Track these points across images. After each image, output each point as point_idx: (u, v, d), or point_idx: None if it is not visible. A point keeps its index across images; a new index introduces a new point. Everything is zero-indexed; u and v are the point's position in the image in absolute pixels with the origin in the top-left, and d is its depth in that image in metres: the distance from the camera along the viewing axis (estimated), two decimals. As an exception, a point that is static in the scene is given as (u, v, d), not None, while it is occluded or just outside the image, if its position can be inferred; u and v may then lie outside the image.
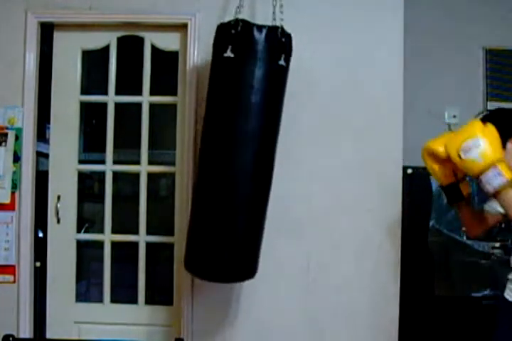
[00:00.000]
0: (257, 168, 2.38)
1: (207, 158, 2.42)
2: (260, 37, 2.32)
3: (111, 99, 2.94)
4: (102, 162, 2.96)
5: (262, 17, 2.58)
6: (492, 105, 3.32)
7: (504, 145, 1.98)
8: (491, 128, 1.90)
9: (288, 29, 2.40)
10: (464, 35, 3.29)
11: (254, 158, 2.37)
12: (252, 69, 2.32)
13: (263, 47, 2.33)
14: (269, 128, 2.41)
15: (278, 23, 2.42)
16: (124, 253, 3.11)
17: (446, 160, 2.04)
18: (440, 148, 2.04)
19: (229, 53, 2.31)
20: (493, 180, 1.83)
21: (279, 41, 2.37)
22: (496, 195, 1.86)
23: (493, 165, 1.84)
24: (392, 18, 2.80)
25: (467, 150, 1.86)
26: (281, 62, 2.38)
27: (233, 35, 2.31)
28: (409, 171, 2.95)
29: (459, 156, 1.87)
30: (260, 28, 2.33)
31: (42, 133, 3.09)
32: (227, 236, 2.35)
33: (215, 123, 2.40)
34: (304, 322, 2.76)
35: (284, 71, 2.42)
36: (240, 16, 2.39)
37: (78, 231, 3.02)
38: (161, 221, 3.12)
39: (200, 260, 2.40)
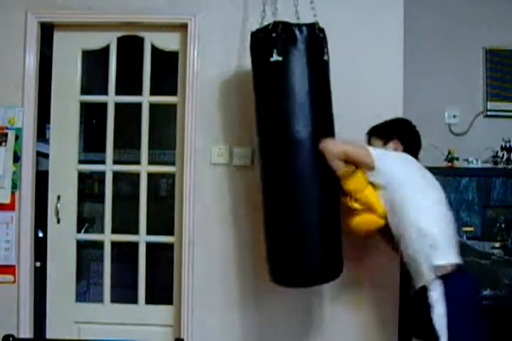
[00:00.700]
0: (319, 167, 2.32)
1: (267, 164, 2.40)
2: (302, 36, 2.32)
3: (111, 99, 2.94)
4: (102, 162, 2.96)
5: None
6: (492, 105, 3.32)
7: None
8: None
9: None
10: (464, 35, 3.29)
11: (315, 158, 2.31)
12: (302, 68, 2.32)
13: (308, 46, 2.33)
14: (327, 126, 2.41)
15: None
16: (124, 253, 3.11)
17: None
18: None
19: (276, 57, 2.29)
20: None
21: (319, 37, 2.38)
22: None
23: None
24: (392, 18, 2.80)
25: None
26: (326, 57, 2.40)
27: (275, 38, 2.30)
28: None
29: None
30: (300, 27, 2.34)
31: (42, 133, 3.09)
32: (305, 241, 2.31)
33: (273, 128, 2.35)
34: (304, 322, 2.76)
35: (328, 65, 2.44)
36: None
37: (78, 231, 3.02)
38: (161, 221, 3.12)
39: (288, 270, 2.36)
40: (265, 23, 2.48)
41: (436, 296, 2.06)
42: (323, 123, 2.39)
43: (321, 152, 2.26)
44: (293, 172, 2.32)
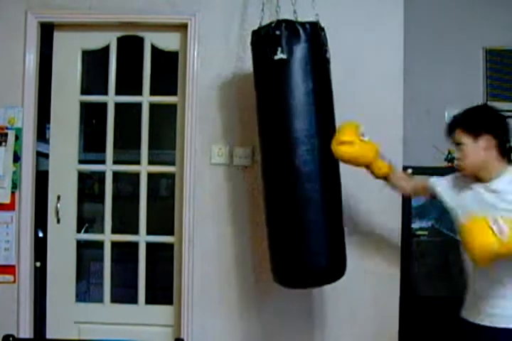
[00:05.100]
0: (321, 165, 2.33)
1: (268, 163, 2.40)
2: (306, 34, 2.32)
3: (111, 99, 2.94)
4: (102, 162, 2.97)
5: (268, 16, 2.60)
6: (492, 105, 3.31)
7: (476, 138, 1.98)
8: None
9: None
10: (464, 35, 3.29)
11: (316, 157, 2.32)
12: (306, 66, 2.31)
13: (311, 44, 2.34)
14: (329, 124, 2.40)
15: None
16: (124, 253, 3.11)
17: None
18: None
19: (280, 55, 2.28)
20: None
21: (321, 35, 2.39)
22: None
23: None
24: (392, 18, 2.81)
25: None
26: (328, 55, 2.41)
27: (278, 36, 2.30)
28: (409, 171, 2.94)
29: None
30: (303, 24, 2.34)
31: (42, 133, 3.09)
32: (308, 240, 2.31)
33: (275, 127, 2.35)
34: (305, 322, 2.76)
35: (329, 63, 2.44)
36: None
37: (78, 231, 3.02)
38: (161, 221, 3.12)
39: (291, 270, 2.34)
40: (264, 23, 2.48)
41: None
42: (325, 122, 2.39)
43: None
44: (294, 171, 2.31)
